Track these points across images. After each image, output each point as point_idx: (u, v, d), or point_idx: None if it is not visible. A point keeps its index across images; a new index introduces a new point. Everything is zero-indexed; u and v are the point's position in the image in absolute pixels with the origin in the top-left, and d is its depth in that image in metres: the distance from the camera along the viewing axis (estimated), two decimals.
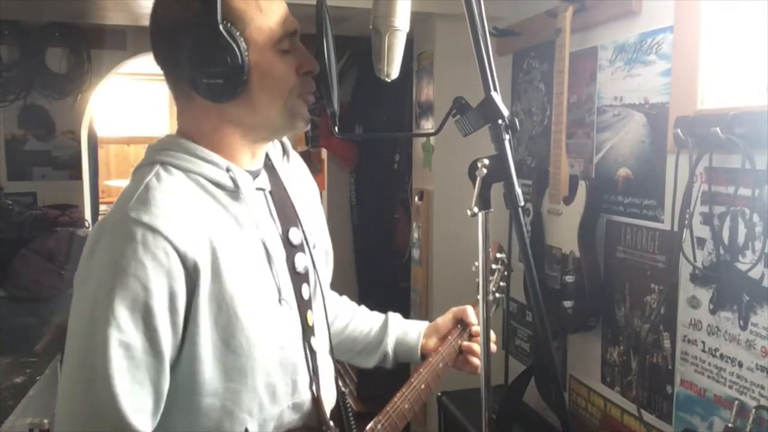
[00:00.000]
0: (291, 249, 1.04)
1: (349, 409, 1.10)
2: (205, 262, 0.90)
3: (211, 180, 0.97)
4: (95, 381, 0.85)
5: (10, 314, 3.01)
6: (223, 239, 0.93)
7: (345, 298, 1.38)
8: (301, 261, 1.05)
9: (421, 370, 1.20)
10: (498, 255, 1.43)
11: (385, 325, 1.30)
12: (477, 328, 1.30)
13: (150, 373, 0.88)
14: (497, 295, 1.42)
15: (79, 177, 3.65)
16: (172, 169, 0.96)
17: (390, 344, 1.28)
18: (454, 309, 1.34)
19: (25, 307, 3.09)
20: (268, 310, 0.98)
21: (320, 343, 1.08)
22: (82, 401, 0.86)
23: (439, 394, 2.47)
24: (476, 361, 1.27)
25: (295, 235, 1.05)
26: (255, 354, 0.95)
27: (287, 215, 1.07)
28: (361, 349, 1.30)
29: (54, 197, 3.54)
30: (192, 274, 0.89)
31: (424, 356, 1.28)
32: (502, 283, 1.42)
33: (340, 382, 1.12)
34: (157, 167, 0.95)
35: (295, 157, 1.18)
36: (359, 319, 1.32)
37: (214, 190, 0.96)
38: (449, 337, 1.28)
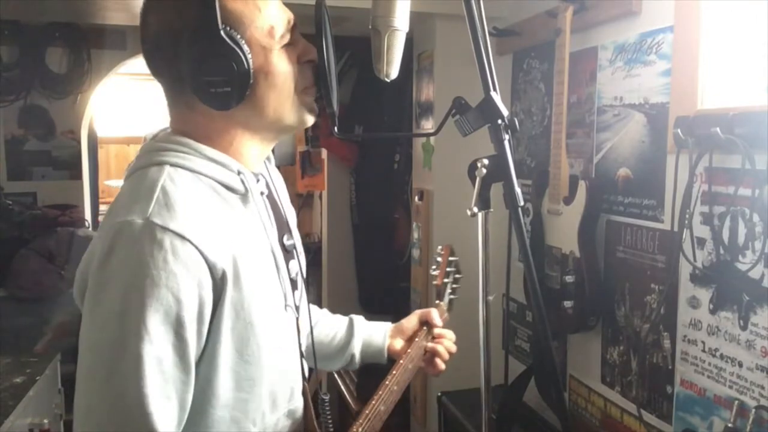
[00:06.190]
0: (287, 255, 1.03)
1: (329, 414, 1.11)
2: (229, 270, 0.87)
3: (222, 183, 0.93)
4: (125, 398, 0.80)
5: (10, 314, 3.01)
6: (240, 246, 0.90)
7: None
8: (294, 267, 1.05)
9: (394, 372, 1.22)
10: (450, 258, 1.45)
11: (350, 329, 1.31)
12: (440, 330, 1.34)
13: (177, 387, 0.84)
14: (452, 296, 1.45)
15: (79, 177, 3.64)
16: (182, 171, 0.90)
17: (357, 347, 1.29)
18: (418, 311, 1.35)
19: (25, 307, 3.09)
20: (276, 317, 0.97)
21: (304, 348, 1.09)
22: (109, 418, 0.81)
23: (439, 394, 2.47)
24: (440, 363, 1.30)
25: (288, 241, 1.05)
26: (263, 362, 0.94)
27: (280, 220, 1.06)
28: (328, 353, 1.30)
29: (54, 197, 3.53)
30: (218, 284, 0.86)
31: (390, 357, 1.30)
32: (455, 286, 1.46)
33: (340, 381, 1.13)
34: (167, 168, 0.90)
35: (272, 160, 1.16)
36: (324, 324, 1.32)
37: (225, 194, 0.93)
38: (416, 339, 1.30)
